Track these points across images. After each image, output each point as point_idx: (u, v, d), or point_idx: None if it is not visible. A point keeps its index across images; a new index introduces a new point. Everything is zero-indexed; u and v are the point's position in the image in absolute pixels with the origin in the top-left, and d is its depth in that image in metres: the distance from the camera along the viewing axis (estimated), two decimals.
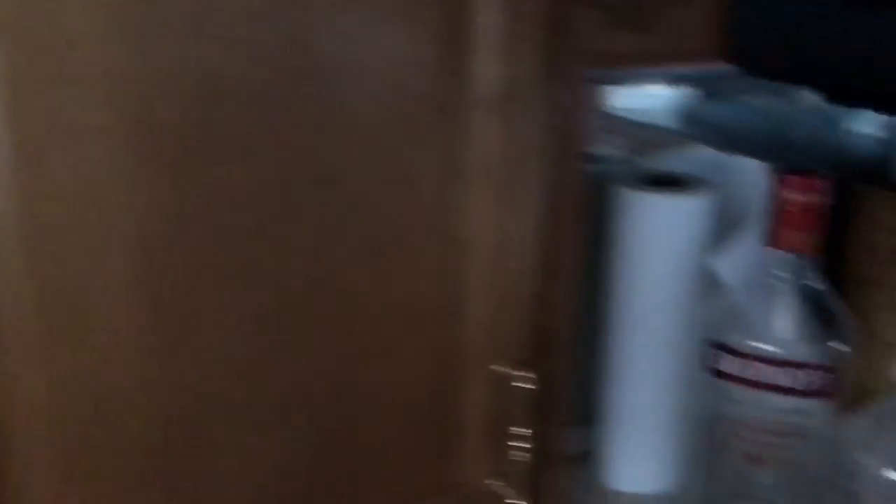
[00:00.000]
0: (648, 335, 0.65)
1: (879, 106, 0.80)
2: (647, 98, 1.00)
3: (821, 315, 0.53)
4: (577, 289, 0.70)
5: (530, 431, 0.55)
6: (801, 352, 0.52)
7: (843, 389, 0.53)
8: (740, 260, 0.65)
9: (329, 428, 0.51)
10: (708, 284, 0.65)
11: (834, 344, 0.53)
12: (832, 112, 0.97)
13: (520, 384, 0.54)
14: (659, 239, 0.63)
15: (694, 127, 0.96)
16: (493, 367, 0.55)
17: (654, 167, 0.70)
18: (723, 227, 0.67)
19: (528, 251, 0.54)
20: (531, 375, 0.54)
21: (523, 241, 0.53)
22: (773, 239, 0.53)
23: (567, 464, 0.74)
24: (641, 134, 0.88)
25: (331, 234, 0.47)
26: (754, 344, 0.53)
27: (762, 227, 0.56)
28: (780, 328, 0.54)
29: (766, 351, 0.53)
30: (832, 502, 0.51)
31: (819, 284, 0.54)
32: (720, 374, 0.55)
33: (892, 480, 0.46)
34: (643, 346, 0.65)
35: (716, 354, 0.55)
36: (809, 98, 1.00)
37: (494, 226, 0.52)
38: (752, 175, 0.69)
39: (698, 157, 0.74)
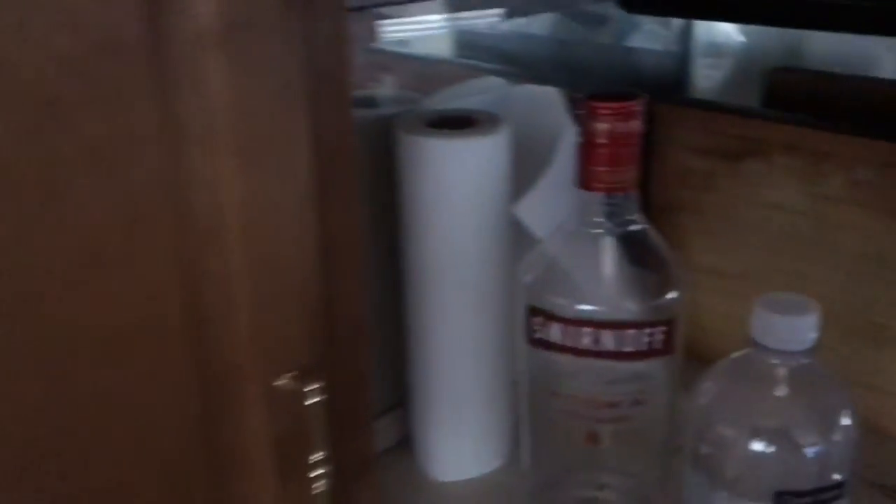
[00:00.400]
0: (454, 301, 0.56)
1: (677, 9, 0.75)
2: (426, 29, 0.89)
3: (647, 261, 0.46)
4: (366, 261, 0.60)
5: (328, 453, 0.45)
6: (631, 308, 0.45)
7: (680, 341, 0.46)
8: (550, 208, 0.56)
9: (65, 494, 0.38)
10: (518, 239, 0.57)
11: (665, 292, 0.45)
12: (621, 29, 0.91)
13: (312, 398, 0.43)
14: (453, 188, 0.53)
15: (480, 56, 0.87)
16: (275, 382, 0.43)
17: (441, 106, 0.60)
18: (529, 171, 0.58)
19: (297, 225, 0.42)
20: (321, 384, 0.43)
21: (288, 213, 0.42)
22: (585, 179, 0.45)
23: (384, 456, 0.65)
24: (423, 69, 0.78)
25: (13, 245, 0.33)
26: (577, 305, 0.45)
27: (572, 166, 0.48)
28: (604, 284, 0.46)
29: (591, 312, 0.45)
30: (685, 472, 0.44)
31: (641, 225, 0.46)
32: (542, 344, 0.47)
33: (750, 445, 0.39)
34: (449, 314, 0.56)
35: (534, 321, 0.47)
36: (598, 15, 0.94)
37: (245, 198, 0.40)
38: (555, 108, 0.61)
39: (491, 91, 0.65)
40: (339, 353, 0.47)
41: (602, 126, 0.43)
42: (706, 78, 0.84)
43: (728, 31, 0.90)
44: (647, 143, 0.73)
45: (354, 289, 0.47)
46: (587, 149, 0.44)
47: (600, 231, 0.46)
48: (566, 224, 0.47)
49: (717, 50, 0.88)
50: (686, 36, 0.78)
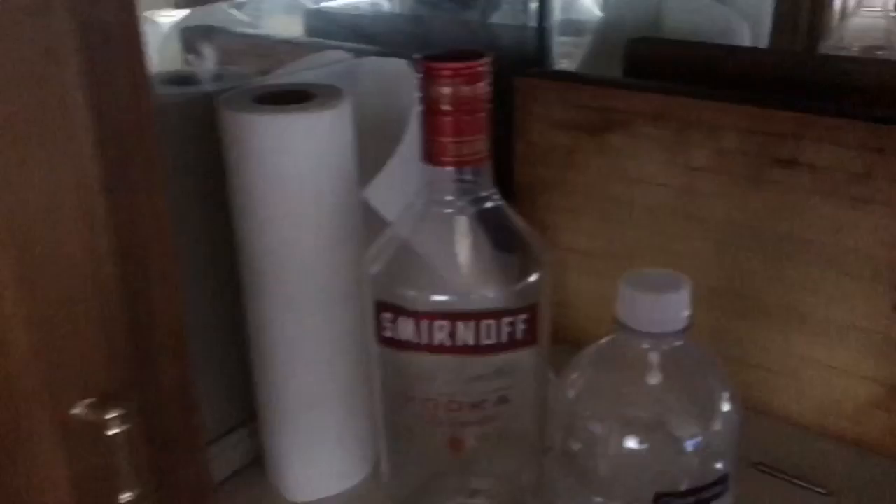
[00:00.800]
0: (297, 301, 0.49)
1: None
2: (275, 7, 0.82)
3: (505, 242, 0.41)
4: (192, 260, 0.53)
5: (147, 488, 0.38)
6: (490, 295, 0.39)
7: (546, 329, 0.41)
8: (404, 190, 0.51)
9: None
10: (365, 225, 0.51)
11: (527, 275, 0.40)
12: (482, 7, 0.87)
13: (116, 427, 0.36)
14: (287, 172, 0.47)
15: (330, 35, 0.80)
16: (70, 411, 0.36)
17: (277, 82, 0.53)
18: (381, 151, 0.52)
19: (80, 223, 0.35)
20: (125, 411, 0.36)
21: (67, 209, 0.34)
22: (430, 152, 0.40)
23: (235, 478, 0.58)
24: (267, 50, 0.71)
25: None
26: (431, 296, 0.40)
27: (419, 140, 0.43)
28: (459, 270, 0.40)
29: (446, 303, 0.39)
30: (554, 474, 0.39)
31: (496, 201, 0.41)
32: (393, 343, 0.41)
33: (623, 442, 0.34)
34: (293, 315, 0.49)
35: (383, 317, 0.41)
36: None
37: (6, 193, 0.33)
38: (405, 81, 0.55)
39: (334, 65, 0.59)
40: (154, 371, 0.40)
41: (444, 91, 0.38)
42: (567, 54, 0.80)
43: (587, 6, 0.87)
44: (508, 120, 0.69)
45: (168, 294, 0.40)
46: (430, 118, 0.39)
47: (451, 210, 0.40)
48: (414, 205, 0.42)
49: (576, 25, 0.85)
50: (545, 11, 0.74)
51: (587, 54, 0.82)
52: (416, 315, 0.39)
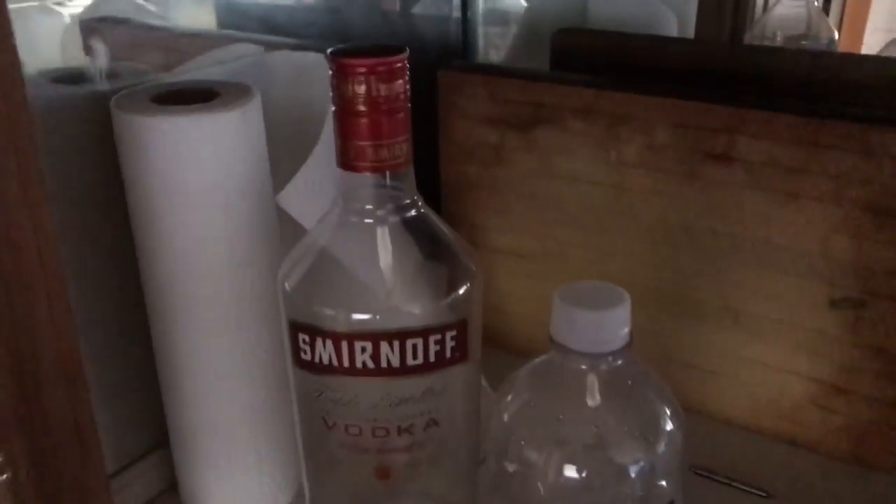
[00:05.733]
0: (206, 317, 0.45)
1: None
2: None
3: (430, 252, 0.38)
4: (83, 277, 0.48)
5: None
6: (416, 312, 0.36)
7: (477, 344, 0.39)
8: (321, 194, 0.47)
9: None
10: (280, 235, 0.47)
11: (455, 288, 0.37)
12: None
13: None
14: (189, 178, 0.43)
15: (239, 26, 0.76)
16: None
17: (179, 79, 0.49)
18: (295, 152, 0.49)
19: None
20: (5, 457, 0.32)
21: None
22: (346, 157, 0.36)
23: None
24: (160, 38, 0.66)
25: None
26: (351, 315, 0.36)
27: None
28: (381, 285, 0.37)
29: (368, 322, 0.36)
30: (492, 495, 0.37)
31: (419, 209, 0.38)
32: (311, 367, 0.37)
33: (562, 470, 0.32)
34: (201, 333, 0.45)
35: (299, 338, 0.37)
36: None
37: None
38: (320, 77, 0.51)
39: (242, 59, 0.55)
40: (41, 408, 0.35)
41: (359, 89, 0.35)
42: (492, 45, 0.77)
43: None
44: (431, 116, 0.65)
45: (57, 320, 0.36)
46: (344, 119, 0.35)
47: (371, 220, 0.37)
48: (331, 213, 0.38)
49: (501, 15, 0.82)
50: (469, 1, 0.71)
51: (512, 45, 0.80)
52: (336, 336, 0.36)
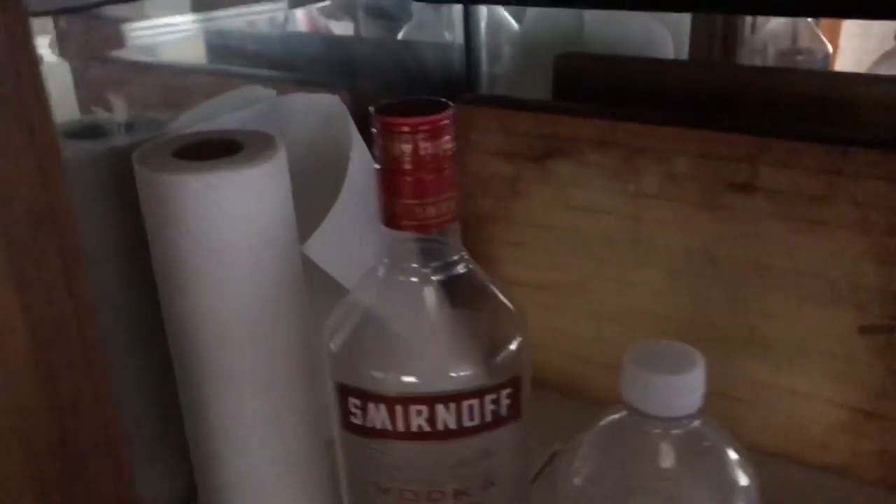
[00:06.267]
0: (233, 378, 0.44)
1: None
2: (176, 32, 0.75)
3: (478, 309, 0.37)
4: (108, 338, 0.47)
5: None
6: (469, 373, 0.35)
7: (527, 400, 0.38)
8: (348, 241, 0.46)
9: None
10: (318, 281, 0.46)
11: (505, 344, 0.36)
12: (396, 22, 0.82)
13: None
14: (219, 236, 0.41)
15: (241, 62, 0.74)
16: None
17: (193, 129, 0.48)
18: (314, 197, 0.47)
19: None
20: None
21: None
22: (390, 215, 0.35)
23: None
24: (170, 82, 0.65)
25: None
26: (401, 378, 0.35)
27: (366, 188, 0.38)
28: (429, 345, 0.36)
29: (419, 385, 0.35)
30: None
31: (466, 265, 0.37)
32: (362, 430, 0.36)
33: None
34: (228, 393, 0.44)
35: (353, 403, 0.36)
36: (373, 8, 0.84)
37: None
38: (337, 119, 0.50)
39: (256, 104, 0.53)
40: (83, 485, 0.34)
41: (404, 148, 0.34)
42: (493, 72, 0.77)
43: (502, 18, 0.84)
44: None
45: (101, 394, 0.34)
46: (388, 177, 0.34)
47: (416, 279, 0.36)
48: (375, 271, 0.37)
49: (499, 42, 0.81)
50: (472, 28, 0.70)
51: (512, 70, 0.79)
52: (388, 400, 0.35)
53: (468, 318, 0.37)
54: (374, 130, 0.34)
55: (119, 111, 0.46)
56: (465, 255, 0.37)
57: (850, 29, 0.99)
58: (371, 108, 0.34)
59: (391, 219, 0.35)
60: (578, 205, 0.59)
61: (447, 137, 0.34)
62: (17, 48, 0.29)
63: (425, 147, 0.34)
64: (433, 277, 0.36)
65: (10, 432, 0.31)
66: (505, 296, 0.38)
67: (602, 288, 0.60)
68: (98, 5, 0.51)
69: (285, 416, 0.45)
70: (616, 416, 0.32)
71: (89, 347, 0.34)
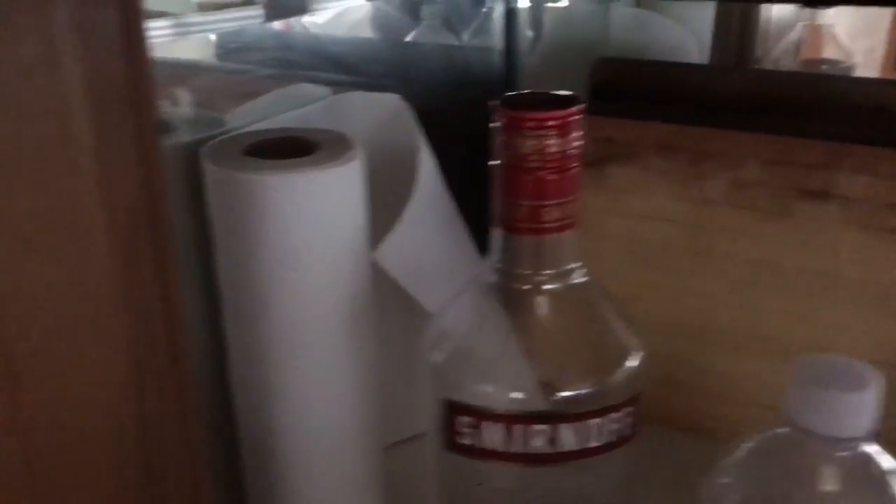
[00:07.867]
0: (300, 385, 0.41)
1: None
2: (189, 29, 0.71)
3: (595, 321, 0.34)
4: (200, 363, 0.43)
5: None
6: (590, 390, 0.33)
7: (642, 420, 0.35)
8: (417, 248, 0.43)
9: None
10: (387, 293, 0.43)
11: (625, 360, 0.34)
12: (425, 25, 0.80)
13: None
14: (298, 240, 0.38)
15: (300, 62, 0.70)
16: None
17: (252, 125, 0.44)
18: (378, 202, 0.44)
19: (101, 337, 0.27)
20: None
21: (85, 318, 0.26)
22: (510, 218, 0.32)
23: None
24: (229, 83, 0.61)
25: None
26: (511, 394, 0.32)
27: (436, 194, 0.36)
28: (545, 359, 0.33)
29: (532, 402, 0.32)
30: None
31: (583, 276, 0.34)
32: (473, 452, 0.33)
33: None
34: (293, 405, 0.41)
35: (462, 421, 0.33)
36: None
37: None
38: (400, 120, 0.47)
39: (310, 101, 0.50)
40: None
41: (530, 144, 0.31)
42: (529, 76, 0.74)
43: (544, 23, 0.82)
44: (482, 150, 0.62)
45: (185, 406, 0.31)
46: (509, 176, 0.32)
47: (529, 287, 0.33)
48: (483, 278, 0.34)
49: (532, 47, 0.79)
50: (513, 30, 0.68)
51: (544, 75, 0.77)
52: (508, 419, 0.32)
53: (584, 330, 0.34)
54: (496, 126, 0.32)
55: (185, 106, 0.43)
56: (582, 265, 0.34)
57: None
58: (492, 102, 0.31)
59: (509, 221, 0.33)
60: (635, 212, 0.57)
61: (576, 134, 0.32)
62: (133, 43, 0.26)
63: (552, 144, 0.31)
64: (548, 286, 0.33)
65: (99, 451, 0.28)
66: (624, 312, 0.35)
67: (656, 297, 0.58)
68: None
69: (354, 428, 0.42)
70: (774, 433, 0.29)
71: (177, 359, 0.31)
